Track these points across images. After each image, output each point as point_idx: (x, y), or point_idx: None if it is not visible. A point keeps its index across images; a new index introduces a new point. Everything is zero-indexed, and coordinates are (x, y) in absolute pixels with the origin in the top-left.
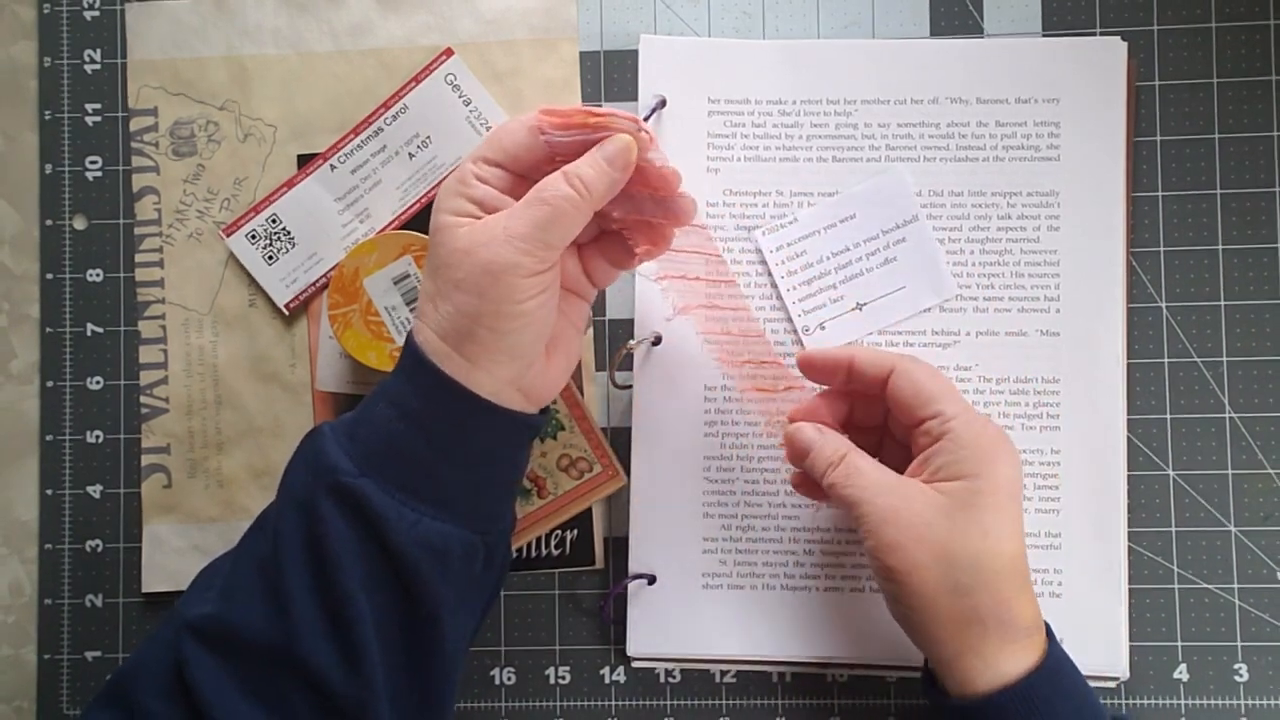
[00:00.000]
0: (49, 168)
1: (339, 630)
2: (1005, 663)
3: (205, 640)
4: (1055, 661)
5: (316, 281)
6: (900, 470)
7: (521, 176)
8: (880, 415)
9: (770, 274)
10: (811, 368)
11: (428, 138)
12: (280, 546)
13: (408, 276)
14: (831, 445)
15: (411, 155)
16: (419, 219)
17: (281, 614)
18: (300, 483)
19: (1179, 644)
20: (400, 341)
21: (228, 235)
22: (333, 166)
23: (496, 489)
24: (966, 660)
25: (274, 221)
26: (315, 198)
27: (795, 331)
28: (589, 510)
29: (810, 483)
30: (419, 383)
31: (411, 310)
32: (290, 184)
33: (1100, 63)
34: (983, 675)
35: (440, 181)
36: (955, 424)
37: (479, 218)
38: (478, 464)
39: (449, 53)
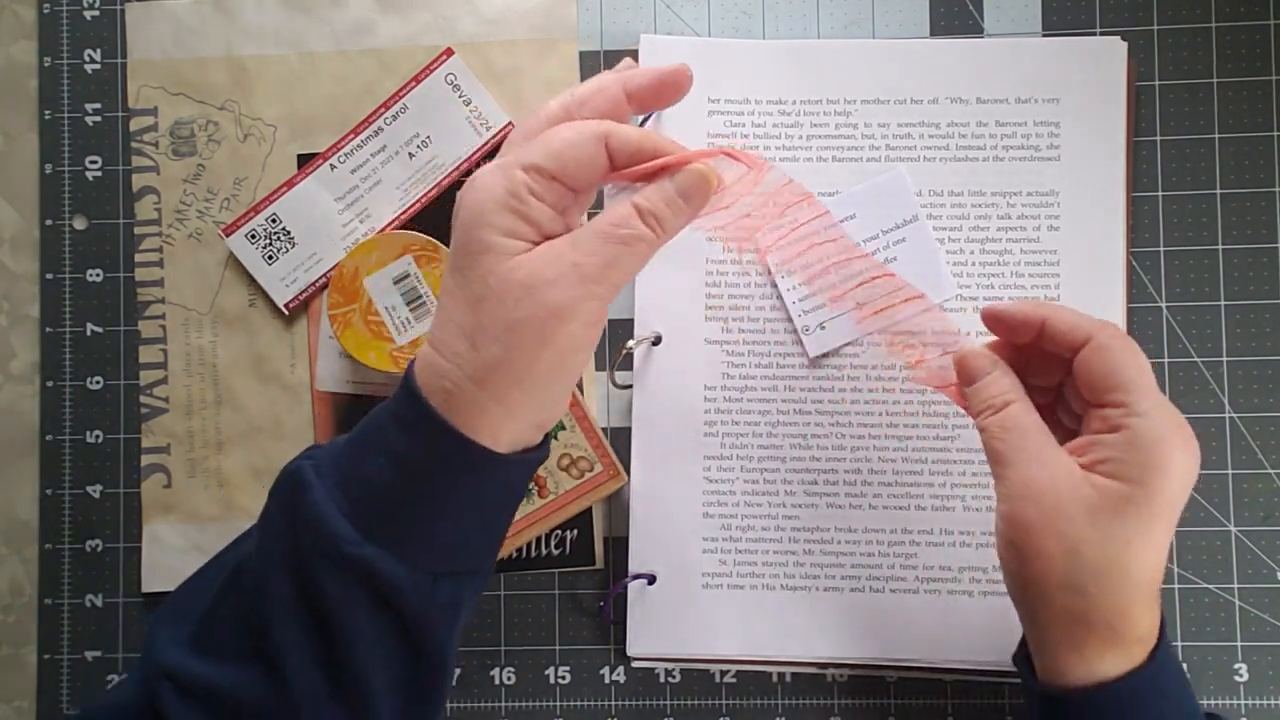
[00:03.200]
0: (49, 167)
1: (348, 697)
2: (1102, 665)
3: (189, 697)
4: (1157, 667)
5: (316, 281)
6: (1067, 439)
7: (573, 192)
8: (1057, 378)
9: (770, 272)
10: (998, 322)
11: (428, 138)
12: (272, 612)
13: (408, 276)
14: (998, 386)
15: (412, 155)
16: (419, 219)
17: (278, 682)
18: (288, 546)
19: (1179, 644)
20: (400, 341)
21: (228, 235)
22: (333, 166)
23: (503, 526)
24: (1062, 651)
25: (274, 221)
26: (315, 197)
27: (795, 331)
28: (589, 510)
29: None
30: (430, 443)
31: (412, 309)
32: (290, 184)
33: (1100, 62)
34: (1075, 670)
35: (442, 181)
36: (1137, 423)
37: (535, 242)
38: (490, 515)
39: (449, 53)
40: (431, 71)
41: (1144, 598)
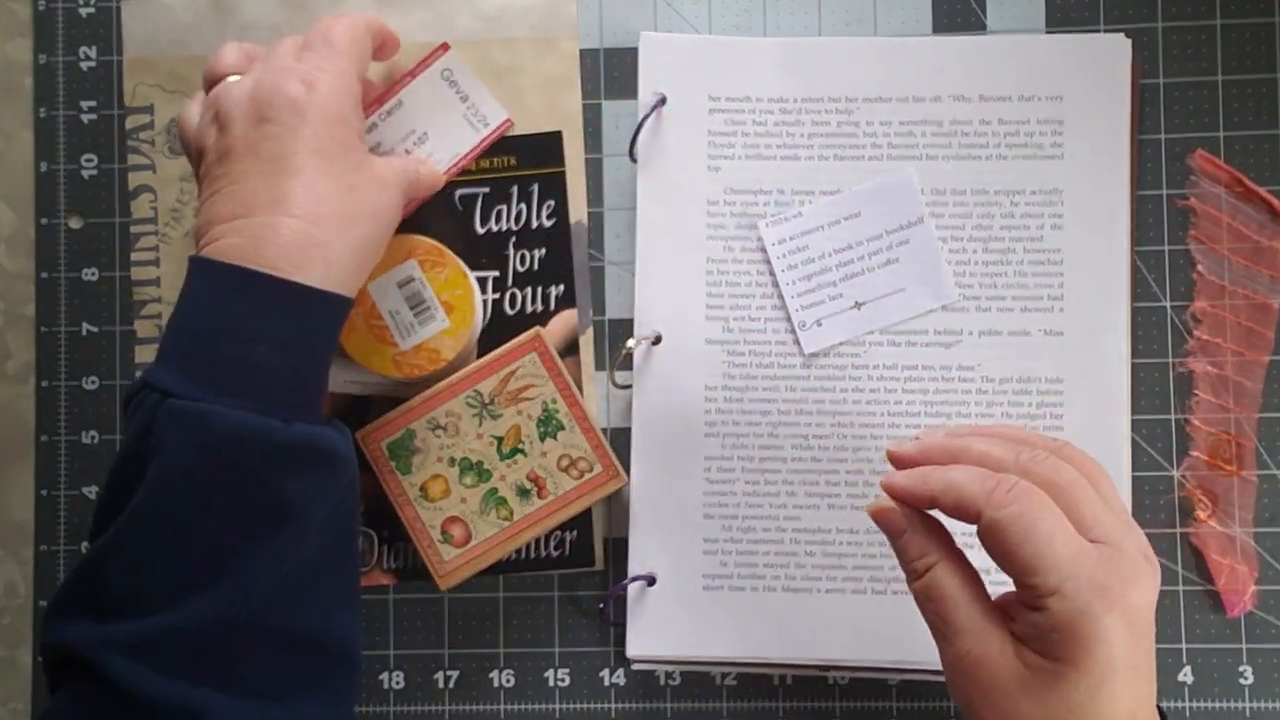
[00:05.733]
0: (44, 166)
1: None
2: None
3: (136, 652)
4: None
5: None
6: None
7: None
8: None
9: (770, 267)
10: (894, 494)
11: (424, 134)
12: (211, 522)
13: (412, 280)
14: (915, 549)
15: (408, 152)
16: (417, 217)
17: (238, 589)
18: (195, 465)
19: (1183, 646)
20: (404, 345)
21: None
22: None
23: None
24: None
25: None
26: None
27: (794, 329)
28: (589, 511)
29: None
30: (318, 316)
31: (416, 314)
32: None
33: (1104, 60)
34: None
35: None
36: (1051, 603)
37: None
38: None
39: (445, 47)
40: (427, 66)
41: None
